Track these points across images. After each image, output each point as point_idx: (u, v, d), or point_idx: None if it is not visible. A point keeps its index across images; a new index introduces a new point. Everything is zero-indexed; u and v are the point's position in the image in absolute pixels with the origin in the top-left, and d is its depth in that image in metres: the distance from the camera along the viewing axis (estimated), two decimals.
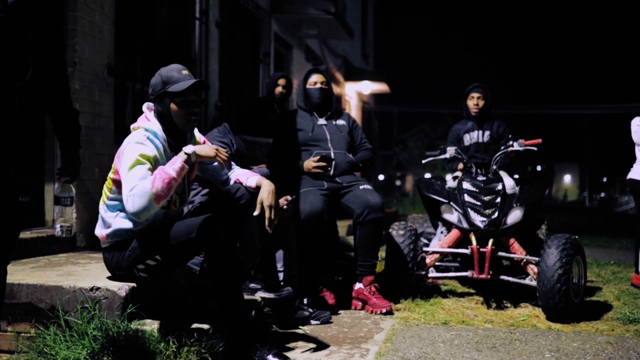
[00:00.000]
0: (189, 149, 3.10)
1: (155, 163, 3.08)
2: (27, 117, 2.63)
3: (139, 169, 3.00)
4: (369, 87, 16.71)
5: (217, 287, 3.10)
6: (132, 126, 3.27)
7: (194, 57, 6.76)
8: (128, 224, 3.15)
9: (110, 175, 3.20)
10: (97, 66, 4.80)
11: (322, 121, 4.90)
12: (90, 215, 4.68)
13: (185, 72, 3.22)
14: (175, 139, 3.25)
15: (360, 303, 4.52)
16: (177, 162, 3.03)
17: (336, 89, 13.59)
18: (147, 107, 3.31)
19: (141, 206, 2.93)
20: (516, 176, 5.35)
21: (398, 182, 39.90)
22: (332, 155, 4.72)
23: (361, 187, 4.65)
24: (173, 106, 3.17)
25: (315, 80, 4.92)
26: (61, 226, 3.10)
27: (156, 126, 3.20)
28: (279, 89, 6.11)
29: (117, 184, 3.13)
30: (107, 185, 3.22)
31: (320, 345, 3.56)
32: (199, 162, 3.44)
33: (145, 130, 3.17)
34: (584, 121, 57.12)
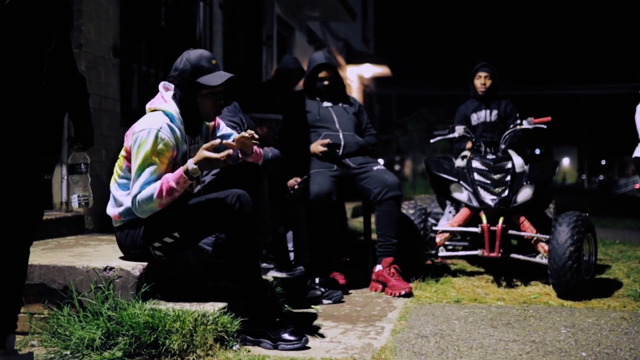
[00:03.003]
0: (190, 164, 2.98)
1: (171, 150, 3.06)
2: (52, 90, 2.58)
3: (149, 170, 3.00)
4: (370, 70, 16.66)
5: (234, 265, 3.08)
6: (148, 106, 3.21)
7: (198, 40, 6.70)
8: None
9: (122, 153, 3.17)
10: (103, 47, 4.76)
11: (327, 103, 4.86)
12: (98, 198, 4.60)
13: (214, 61, 3.12)
14: (190, 122, 3.20)
15: (380, 285, 4.48)
16: (179, 173, 2.98)
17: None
18: (164, 87, 3.26)
19: (145, 212, 3.03)
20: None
21: (397, 167, 39.82)
22: (341, 137, 4.69)
23: (375, 168, 4.63)
24: (201, 98, 3.11)
25: (323, 76, 4.82)
26: (79, 196, 2.99)
27: (173, 108, 3.14)
28: (292, 80, 6.01)
29: (129, 160, 3.11)
30: (119, 163, 3.19)
31: (335, 324, 3.55)
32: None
33: (164, 114, 3.11)
34: (583, 103, 57.05)
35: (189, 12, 6.62)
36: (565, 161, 77.43)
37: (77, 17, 4.48)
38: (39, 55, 2.49)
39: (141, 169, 3.00)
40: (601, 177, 61.80)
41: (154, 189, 2.98)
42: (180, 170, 3.00)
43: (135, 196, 3.01)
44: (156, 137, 3.00)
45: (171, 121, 3.10)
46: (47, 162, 2.62)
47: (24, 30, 2.44)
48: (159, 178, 3.02)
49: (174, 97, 3.18)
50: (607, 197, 28.56)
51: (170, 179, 2.99)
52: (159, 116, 3.09)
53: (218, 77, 3.07)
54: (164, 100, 3.17)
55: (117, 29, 4.97)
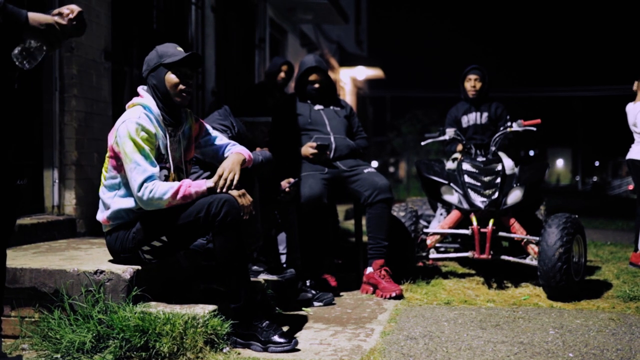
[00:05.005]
0: (210, 183, 3.10)
1: (154, 138, 3.11)
2: (25, 95, 2.62)
3: (141, 157, 3.01)
4: (363, 72, 16.70)
5: (223, 269, 3.09)
6: (127, 106, 3.27)
7: (190, 43, 6.72)
8: (127, 204, 3.14)
9: (107, 154, 3.19)
10: (95, 51, 4.77)
11: (318, 106, 4.88)
12: (90, 201, 4.66)
13: (179, 48, 3.27)
14: (169, 115, 3.25)
15: (371, 287, 4.50)
16: (202, 187, 3.06)
17: (331, 75, 13.57)
18: (142, 88, 3.31)
19: (150, 205, 3.02)
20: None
21: (391, 169, 39.88)
22: (332, 139, 4.72)
23: (366, 170, 4.65)
24: (168, 77, 3.19)
25: (313, 79, 4.84)
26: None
27: (150, 101, 3.20)
28: (281, 75, 6.09)
29: (115, 159, 3.12)
30: (105, 165, 3.21)
31: (325, 326, 3.57)
32: (200, 145, 3.43)
33: (140, 107, 3.18)
34: (577, 104, 57.20)
35: (181, 15, 6.64)
36: (559, 162, 77.61)
37: None
38: (9, 61, 2.51)
39: (134, 156, 3.01)
40: (595, 179, 61.92)
41: (170, 187, 3.00)
42: (204, 185, 3.06)
43: (143, 185, 2.98)
44: (136, 125, 3.05)
45: (149, 112, 3.16)
46: (20, 166, 2.64)
47: None
48: (154, 163, 3.05)
49: (149, 91, 3.25)
50: (600, 198, 28.66)
51: (192, 186, 3.04)
52: (136, 109, 3.17)
53: (180, 54, 3.21)
54: (141, 96, 3.25)
55: (109, 33, 4.98)
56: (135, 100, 3.24)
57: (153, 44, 5.79)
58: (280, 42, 10.47)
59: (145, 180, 2.99)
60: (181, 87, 3.20)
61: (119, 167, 3.13)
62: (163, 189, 2.99)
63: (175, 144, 3.27)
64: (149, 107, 3.18)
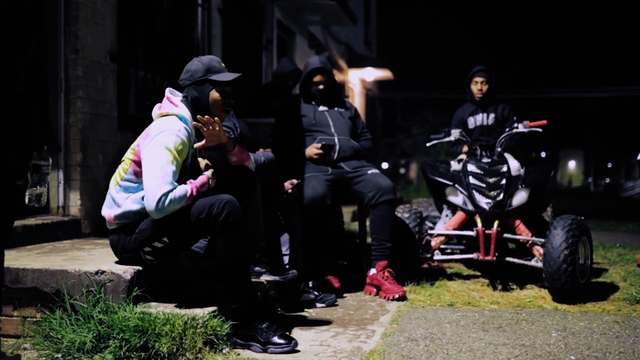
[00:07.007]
0: (209, 173, 3.20)
1: (186, 152, 3.13)
2: (29, 96, 2.63)
3: (172, 169, 3.02)
4: (372, 74, 16.65)
5: (224, 269, 3.10)
6: (158, 112, 3.26)
7: (197, 44, 6.74)
8: (138, 206, 3.15)
9: (129, 156, 3.19)
10: (100, 53, 4.79)
11: (323, 107, 4.88)
12: (95, 202, 4.68)
13: (223, 64, 3.33)
14: None
15: (374, 289, 4.49)
16: (204, 182, 3.14)
17: (339, 77, 13.56)
18: (171, 92, 3.32)
19: (167, 211, 3.00)
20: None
21: (402, 170, 39.80)
22: (336, 141, 4.71)
23: (369, 171, 4.64)
24: (214, 94, 3.24)
25: (318, 80, 4.82)
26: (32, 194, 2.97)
27: (186, 112, 3.23)
28: (290, 83, 6.08)
29: (137, 164, 3.13)
30: (123, 167, 3.20)
31: (326, 327, 3.57)
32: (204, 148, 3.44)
33: (178, 118, 3.19)
34: (587, 106, 56.82)
35: (187, 17, 6.65)
36: (572, 164, 77.14)
37: (73, 22, 4.52)
38: (16, 61, 2.53)
39: (163, 168, 3.00)
40: (607, 180, 61.43)
41: (185, 190, 3.02)
42: (205, 177, 3.14)
43: (167, 194, 2.97)
44: (176, 137, 3.06)
45: (186, 124, 3.19)
46: (18, 166, 2.67)
47: (1, 36, 2.47)
48: (177, 176, 3.06)
49: (184, 101, 3.26)
50: (612, 200, 28.45)
51: (197, 184, 3.09)
52: (175, 120, 3.18)
53: (229, 75, 3.26)
54: (174, 105, 3.25)
55: (114, 35, 5.00)
56: (169, 109, 3.24)
57: (159, 45, 5.88)
58: (288, 43, 10.47)
59: (168, 192, 2.99)
60: (224, 107, 3.27)
61: (142, 173, 3.13)
62: (180, 193, 3.00)
63: (200, 153, 3.33)
64: (185, 118, 3.21)
